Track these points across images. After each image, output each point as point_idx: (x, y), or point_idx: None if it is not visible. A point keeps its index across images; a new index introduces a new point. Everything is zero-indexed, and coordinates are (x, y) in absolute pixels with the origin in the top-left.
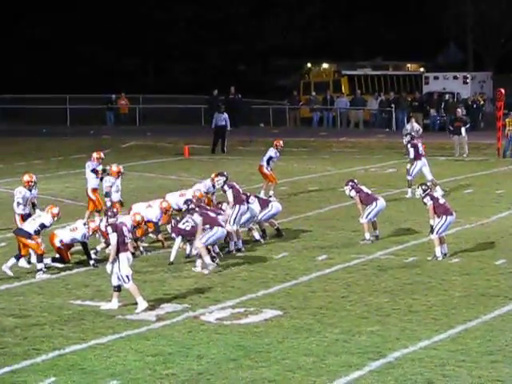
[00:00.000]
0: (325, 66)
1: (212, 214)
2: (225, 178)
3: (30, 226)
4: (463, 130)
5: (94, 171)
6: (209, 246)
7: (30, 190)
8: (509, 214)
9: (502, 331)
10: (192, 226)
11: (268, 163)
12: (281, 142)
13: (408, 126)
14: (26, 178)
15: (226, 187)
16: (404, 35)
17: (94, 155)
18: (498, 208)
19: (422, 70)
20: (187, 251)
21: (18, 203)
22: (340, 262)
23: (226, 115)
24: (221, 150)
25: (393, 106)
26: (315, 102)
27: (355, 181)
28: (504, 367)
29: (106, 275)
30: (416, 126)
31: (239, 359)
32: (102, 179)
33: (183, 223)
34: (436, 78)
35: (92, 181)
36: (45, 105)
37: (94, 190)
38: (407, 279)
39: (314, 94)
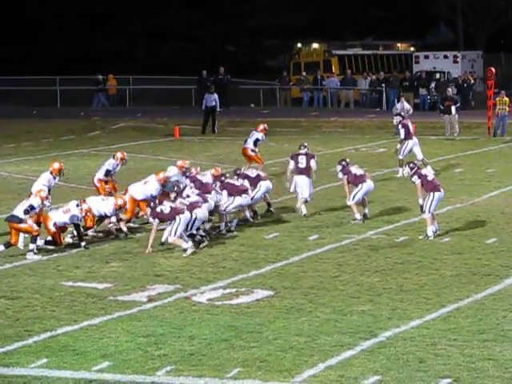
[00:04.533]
0: (315, 46)
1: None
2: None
3: (19, 209)
4: (454, 109)
5: (108, 172)
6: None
7: (55, 178)
8: (499, 192)
9: (494, 310)
10: (169, 210)
11: (255, 145)
12: (265, 126)
13: (398, 106)
14: (57, 165)
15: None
16: (394, 15)
17: (118, 155)
18: (489, 187)
19: (412, 49)
20: (163, 239)
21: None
22: (331, 241)
23: (215, 96)
24: (211, 131)
25: (383, 85)
26: (305, 82)
27: (347, 160)
28: (495, 346)
29: (97, 257)
30: (406, 106)
31: (231, 339)
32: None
33: (161, 207)
34: (426, 57)
35: (102, 173)
36: (35, 86)
37: (100, 180)
38: (398, 259)
39: (304, 74)
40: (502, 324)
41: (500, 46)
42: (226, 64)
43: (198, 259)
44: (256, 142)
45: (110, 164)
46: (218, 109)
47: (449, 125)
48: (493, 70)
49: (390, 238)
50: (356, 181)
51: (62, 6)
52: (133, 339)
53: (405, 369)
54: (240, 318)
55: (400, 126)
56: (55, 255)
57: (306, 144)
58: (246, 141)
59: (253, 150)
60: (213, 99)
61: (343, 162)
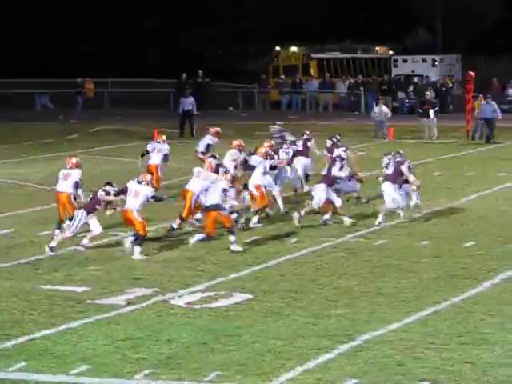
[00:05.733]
0: (294, 49)
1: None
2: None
3: (216, 197)
4: (432, 112)
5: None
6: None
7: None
8: (478, 196)
9: (472, 313)
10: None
11: (207, 149)
12: (218, 129)
13: (377, 109)
14: (74, 160)
15: None
16: (373, 18)
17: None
18: (467, 190)
19: (390, 52)
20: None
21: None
22: (310, 245)
23: (192, 99)
24: (190, 134)
25: (362, 88)
26: (284, 86)
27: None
28: (473, 349)
29: (76, 259)
30: (385, 109)
31: (209, 343)
32: None
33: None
34: (405, 60)
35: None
36: (13, 89)
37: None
38: (377, 262)
39: (283, 77)
40: (479, 327)
41: (478, 50)
42: (205, 67)
43: (176, 263)
44: (208, 146)
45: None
46: (194, 112)
47: (427, 128)
48: (472, 74)
49: (368, 242)
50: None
51: (41, 10)
52: (111, 343)
53: (383, 372)
54: (219, 322)
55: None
56: (33, 258)
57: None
58: (198, 144)
59: (202, 153)
60: (189, 103)
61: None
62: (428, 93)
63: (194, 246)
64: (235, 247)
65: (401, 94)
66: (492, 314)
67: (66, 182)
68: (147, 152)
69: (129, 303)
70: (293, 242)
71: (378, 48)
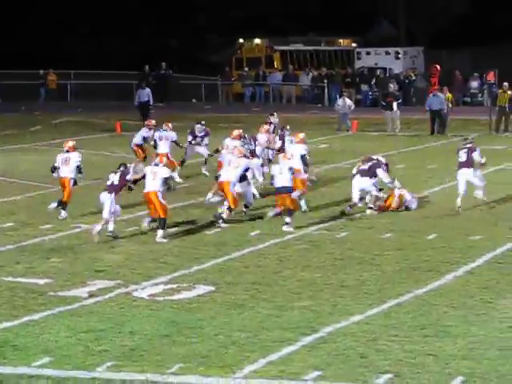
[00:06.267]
0: (257, 41)
1: None
2: None
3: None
4: (395, 105)
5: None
6: None
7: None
8: (440, 189)
9: (434, 305)
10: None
11: (144, 140)
12: (153, 122)
13: (340, 102)
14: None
15: None
16: (336, 10)
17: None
18: (430, 183)
19: (354, 45)
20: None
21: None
22: (273, 237)
23: (148, 90)
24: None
25: (325, 81)
26: (247, 78)
27: None
28: (436, 341)
29: (37, 252)
30: (348, 102)
31: (172, 335)
32: None
33: None
34: (368, 53)
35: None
36: None
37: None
38: (340, 254)
39: (246, 69)
40: (442, 319)
41: (441, 43)
42: (169, 59)
43: (138, 255)
44: (144, 138)
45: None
46: (151, 103)
47: (390, 121)
48: (438, 67)
49: (331, 234)
50: None
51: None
52: (73, 335)
53: (345, 364)
54: (181, 314)
55: None
56: None
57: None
58: (136, 136)
59: (137, 145)
60: (146, 94)
61: None
62: (391, 85)
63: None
64: (288, 228)
65: (364, 87)
66: (455, 306)
67: (67, 166)
68: (155, 142)
69: (91, 295)
70: (256, 234)
71: (341, 40)
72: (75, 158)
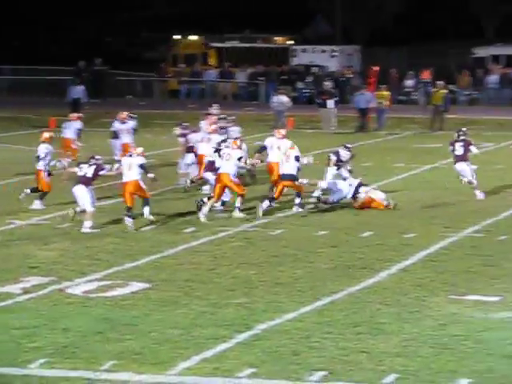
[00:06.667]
0: (193, 38)
1: None
2: None
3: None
4: (331, 102)
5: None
6: None
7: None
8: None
9: (368, 303)
10: None
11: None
12: (80, 115)
13: (275, 99)
14: (47, 135)
15: None
16: (272, 7)
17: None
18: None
19: (290, 42)
20: None
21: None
22: (207, 234)
23: (82, 87)
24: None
25: (261, 78)
26: (183, 75)
27: None
28: (369, 339)
29: None
30: (284, 99)
31: (105, 332)
32: None
33: None
34: (304, 50)
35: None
36: None
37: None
38: (274, 251)
39: (182, 66)
40: (375, 317)
41: (378, 41)
42: (104, 55)
43: (73, 251)
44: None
45: None
46: (84, 100)
47: (326, 118)
48: (377, 68)
49: (265, 231)
50: None
51: None
52: (6, 331)
53: (279, 361)
54: (115, 311)
55: None
56: None
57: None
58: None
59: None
60: (79, 91)
61: None
62: (327, 83)
63: (91, 234)
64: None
65: (300, 84)
66: (388, 303)
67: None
68: (115, 133)
69: (25, 292)
70: (190, 231)
71: (277, 38)
72: (41, 149)
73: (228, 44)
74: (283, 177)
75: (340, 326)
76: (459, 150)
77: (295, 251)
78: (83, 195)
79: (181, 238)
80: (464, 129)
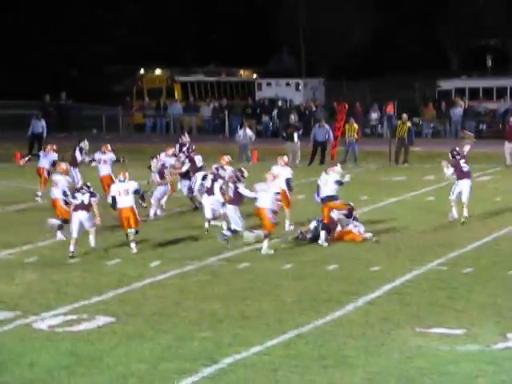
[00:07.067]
0: (158, 72)
1: None
2: None
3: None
4: (296, 135)
5: None
6: None
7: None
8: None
9: (334, 336)
10: None
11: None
12: (53, 146)
13: (241, 133)
14: (64, 166)
15: None
16: (236, 41)
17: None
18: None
19: (254, 76)
20: None
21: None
22: (173, 267)
23: (43, 122)
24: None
25: (226, 112)
26: (148, 108)
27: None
28: (335, 371)
29: None
30: (249, 133)
31: (71, 366)
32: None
33: None
34: (269, 84)
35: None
36: None
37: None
38: (240, 285)
39: (147, 100)
40: (342, 350)
41: (342, 74)
42: (69, 89)
43: (39, 285)
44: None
45: None
46: (44, 135)
47: (291, 151)
48: (346, 105)
49: (231, 265)
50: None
51: None
52: None
53: None
54: (81, 345)
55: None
56: None
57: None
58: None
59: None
60: (40, 126)
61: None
62: (292, 116)
63: (58, 268)
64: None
65: (265, 118)
66: (355, 336)
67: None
68: (92, 160)
69: None
70: (156, 265)
71: (242, 71)
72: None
73: (193, 78)
74: (324, 199)
75: (306, 359)
76: (465, 166)
77: (261, 284)
78: (86, 219)
79: (147, 271)
80: (458, 148)
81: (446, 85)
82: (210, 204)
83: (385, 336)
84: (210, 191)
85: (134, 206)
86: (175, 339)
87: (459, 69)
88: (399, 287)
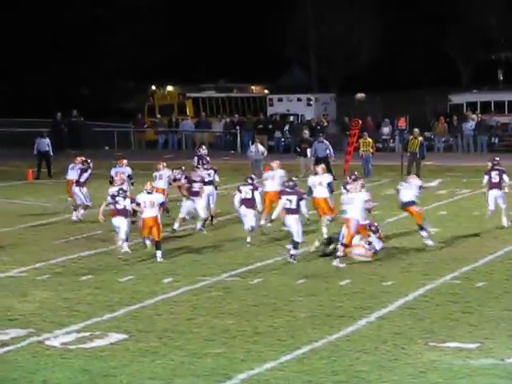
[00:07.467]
0: (169, 88)
1: None
2: None
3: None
4: (309, 151)
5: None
6: None
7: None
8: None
9: (347, 351)
10: None
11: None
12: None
13: (253, 148)
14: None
15: None
16: (247, 57)
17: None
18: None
19: (266, 91)
20: None
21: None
22: (185, 284)
23: (48, 140)
24: (48, 175)
25: (237, 127)
26: (160, 125)
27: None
28: None
29: None
30: (261, 148)
31: (85, 383)
32: None
33: None
34: (280, 99)
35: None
36: None
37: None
38: (253, 301)
39: (158, 116)
40: (355, 365)
41: (353, 89)
42: (81, 106)
43: (51, 303)
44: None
45: None
46: (51, 153)
47: (304, 166)
48: (359, 121)
49: (244, 281)
50: None
51: None
52: None
53: None
54: (94, 362)
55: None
56: None
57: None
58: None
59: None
60: (46, 144)
61: None
62: (306, 131)
63: (70, 286)
64: (428, 241)
65: (277, 133)
66: (368, 351)
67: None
68: (112, 178)
69: (3, 344)
70: (168, 282)
71: (253, 87)
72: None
73: (204, 94)
74: (404, 204)
75: (320, 375)
76: (495, 177)
77: (274, 300)
78: (121, 226)
79: (159, 288)
80: (497, 158)
81: (457, 99)
82: (249, 215)
83: (398, 351)
84: (250, 202)
85: (159, 218)
86: (188, 355)
87: (470, 83)
88: (412, 302)
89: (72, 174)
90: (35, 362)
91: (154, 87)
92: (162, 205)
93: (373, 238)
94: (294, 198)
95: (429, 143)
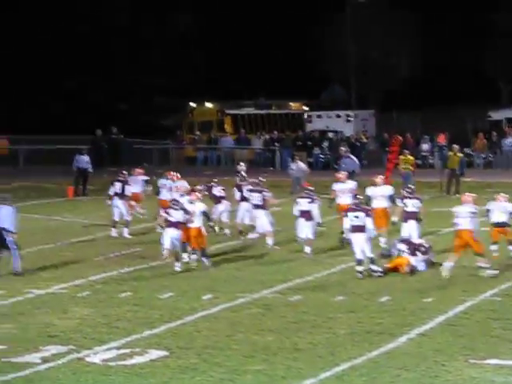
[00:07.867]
0: (208, 105)
1: None
2: None
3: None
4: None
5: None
6: None
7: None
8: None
9: (387, 368)
10: None
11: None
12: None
13: (294, 166)
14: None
15: None
16: (287, 74)
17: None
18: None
19: (305, 108)
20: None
21: None
22: (225, 300)
23: (87, 157)
24: (82, 193)
25: (276, 144)
26: (199, 142)
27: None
28: None
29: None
30: (302, 166)
31: None
32: None
33: None
34: (319, 116)
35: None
36: None
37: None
38: (292, 317)
39: (198, 133)
40: (395, 382)
41: (392, 106)
42: (120, 123)
43: (91, 319)
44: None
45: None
46: (90, 170)
47: None
48: (400, 138)
49: (284, 297)
50: None
51: None
52: None
53: None
54: (134, 379)
55: None
56: None
57: None
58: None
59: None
60: (85, 161)
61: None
62: (343, 148)
63: (110, 302)
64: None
65: (316, 150)
66: (408, 368)
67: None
68: (159, 189)
69: (44, 361)
70: (208, 298)
71: (292, 104)
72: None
73: (243, 111)
74: (497, 225)
75: None
76: None
77: (314, 317)
78: (175, 237)
79: (199, 304)
80: None
81: (496, 115)
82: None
83: (438, 368)
84: (307, 215)
85: (202, 227)
86: (228, 372)
87: (509, 100)
88: (452, 318)
89: (133, 188)
90: (75, 378)
91: (193, 104)
92: (204, 214)
93: (418, 258)
94: (361, 214)
95: (468, 159)
